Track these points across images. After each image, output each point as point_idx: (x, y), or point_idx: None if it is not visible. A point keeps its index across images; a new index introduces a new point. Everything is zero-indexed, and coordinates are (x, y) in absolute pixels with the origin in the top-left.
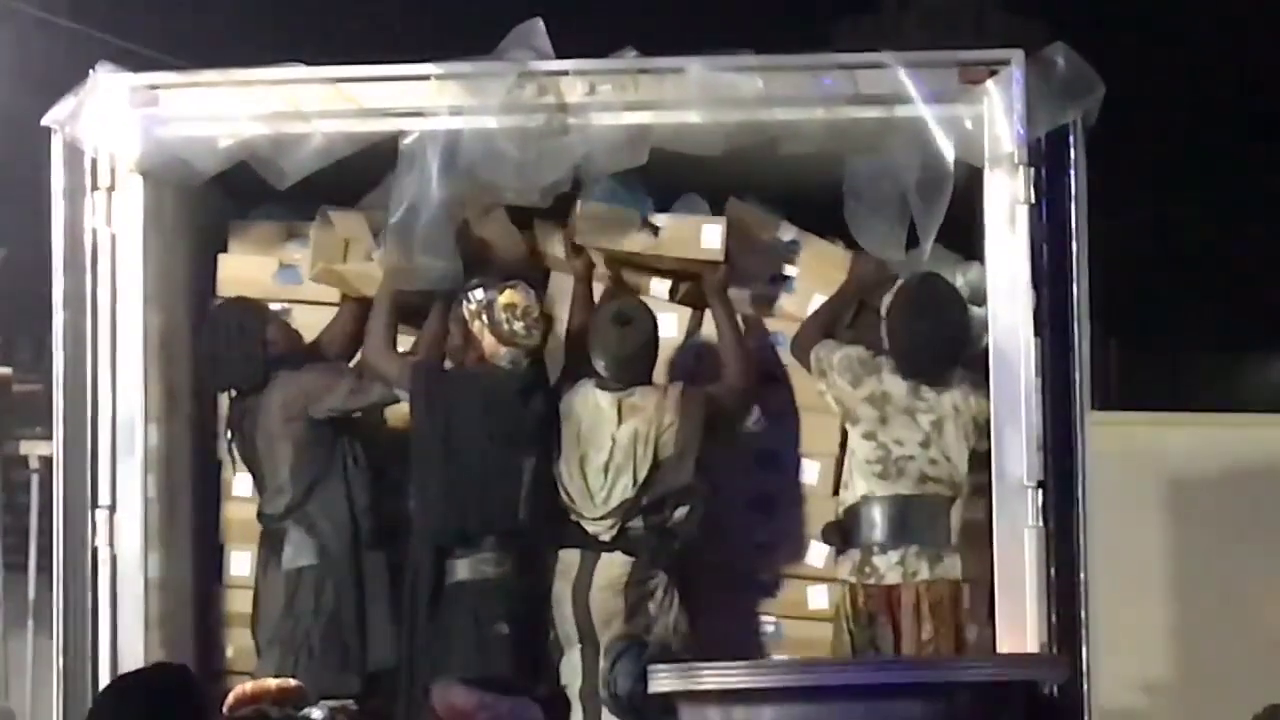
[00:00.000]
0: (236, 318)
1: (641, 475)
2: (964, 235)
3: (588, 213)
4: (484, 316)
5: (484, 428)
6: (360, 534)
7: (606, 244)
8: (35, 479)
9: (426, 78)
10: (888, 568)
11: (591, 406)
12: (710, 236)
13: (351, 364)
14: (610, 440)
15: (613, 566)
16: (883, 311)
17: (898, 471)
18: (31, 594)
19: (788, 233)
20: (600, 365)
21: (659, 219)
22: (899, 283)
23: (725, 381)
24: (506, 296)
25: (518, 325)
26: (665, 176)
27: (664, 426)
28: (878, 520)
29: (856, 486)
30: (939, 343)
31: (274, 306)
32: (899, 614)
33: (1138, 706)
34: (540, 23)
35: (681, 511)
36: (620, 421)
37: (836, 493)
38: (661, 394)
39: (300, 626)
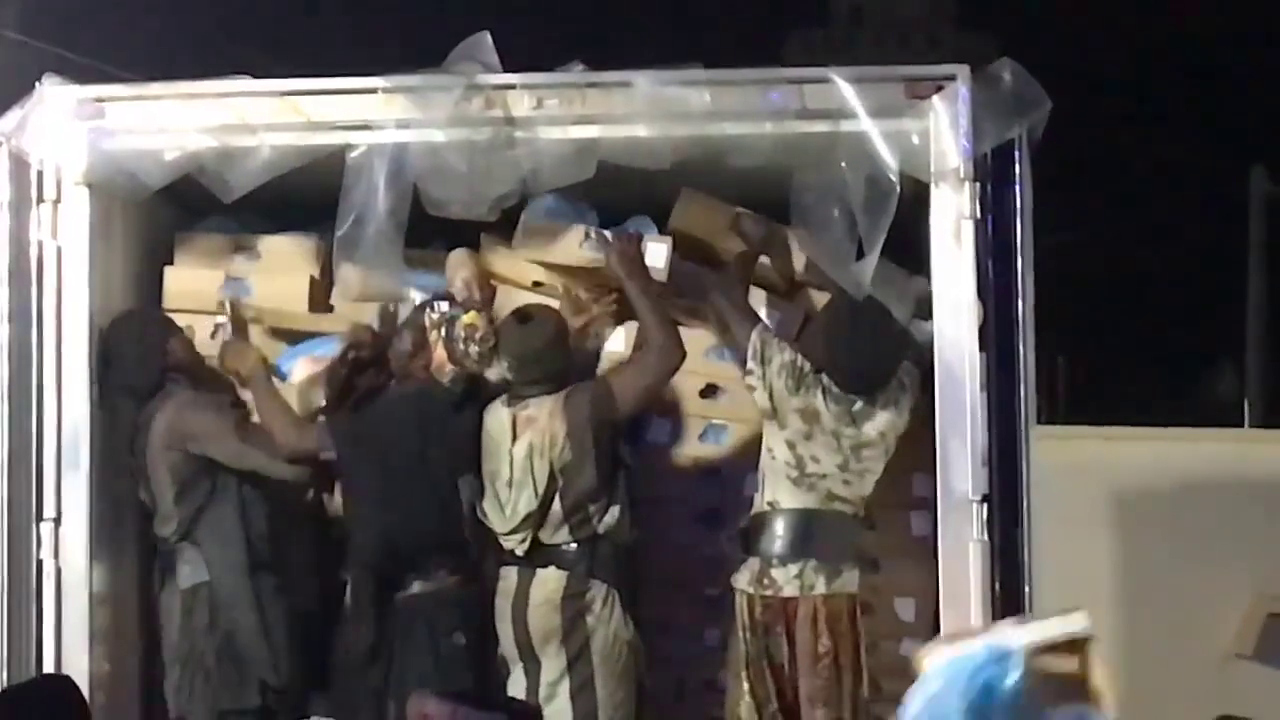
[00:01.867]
0: (138, 326)
1: (540, 489)
2: (910, 250)
3: (530, 227)
4: (443, 330)
5: (417, 445)
6: (256, 555)
7: (548, 257)
8: None
9: (374, 91)
10: (785, 580)
11: (495, 423)
12: (655, 255)
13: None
14: (509, 456)
15: (548, 582)
16: (819, 328)
17: (809, 486)
18: None
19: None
20: (505, 368)
21: (603, 234)
22: (833, 301)
23: (644, 359)
24: (470, 317)
25: (472, 349)
26: (612, 192)
27: (557, 436)
28: (780, 531)
29: (765, 490)
30: (876, 360)
31: (221, 319)
32: (794, 627)
33: None
34: (487, 36)
35: (609, 517)
36: (515, 437)
37: None
38: (555, 402)
39: (197, 645)
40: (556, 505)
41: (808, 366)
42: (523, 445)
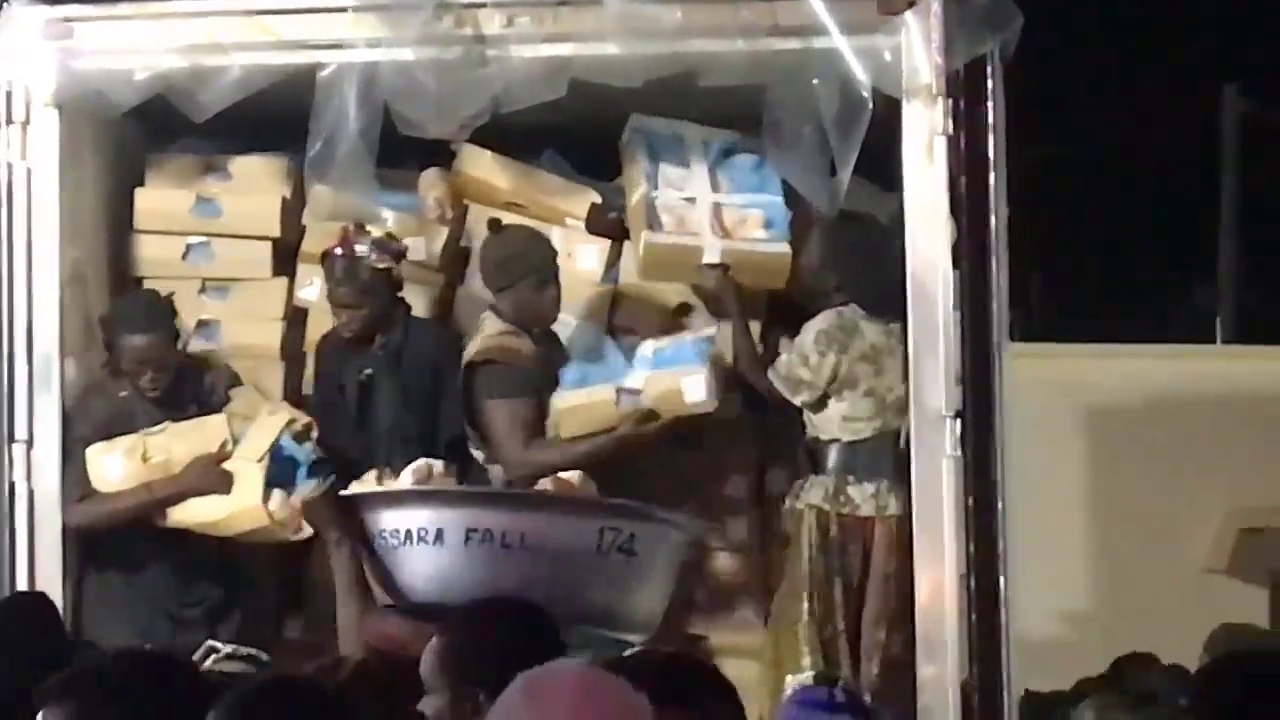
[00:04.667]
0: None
1: None
2: (882, 167)
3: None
4: None
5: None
6: None
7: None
8: None
9: (344, 10)
10: (862, 499)
11: None
12: (693, 390)
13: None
14: None
15: None
16: (831, 257)
17: (888, 409)
18: None
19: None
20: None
21: (637, 378)
22: (841, 236)
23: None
24: None
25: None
26: (585, 110)
27: None
28: (856, 451)
29: (831, 429)
30: (892, 271)
31: (193, 240)
32: (871, 545)
33: (1059, 636)
34: None
35: None
36: None
37: None
38: None
39: None
40: None
41: (834, 319)
42: None
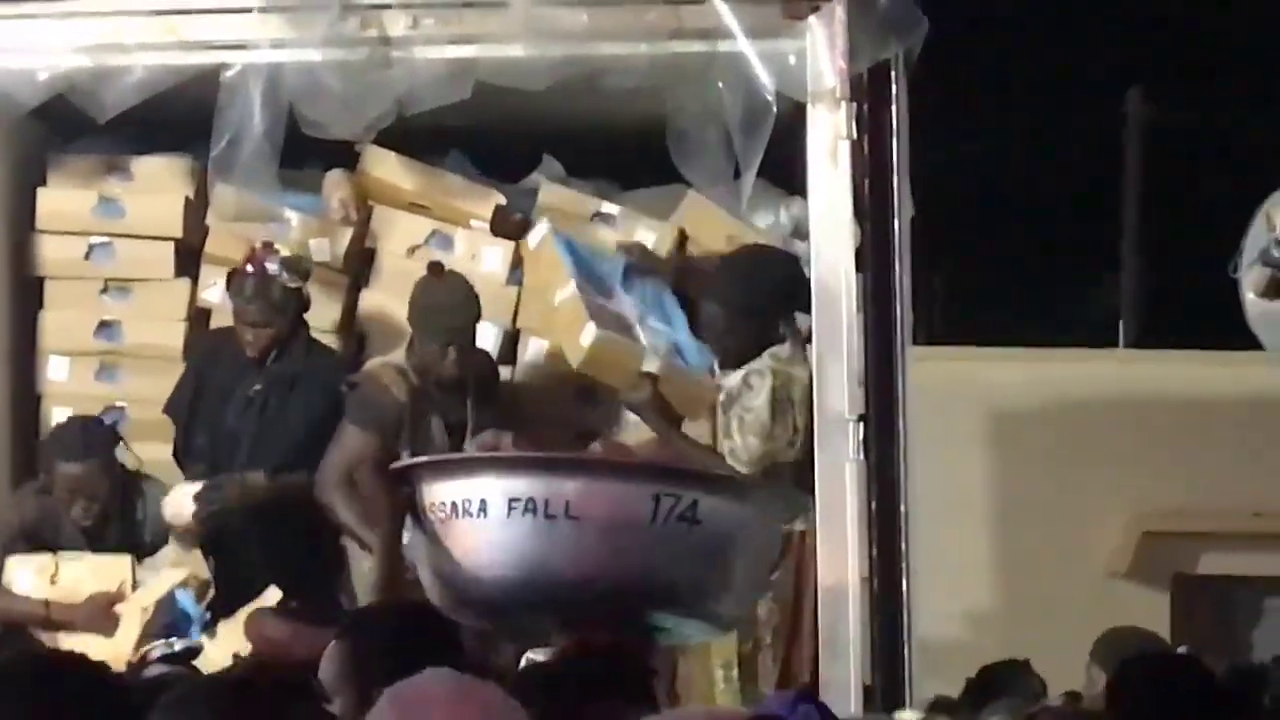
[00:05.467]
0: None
1: None
2: (787, 170)
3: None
4: None
5: None
6: None
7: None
8: None
9: (249, 10)
10: None
11: None
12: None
13: None
14: None
15: None
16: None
17: None
18: None
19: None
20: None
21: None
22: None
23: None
24: None
25: None
26: (490, 112)
27: None
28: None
29: None
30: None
31: (95, 240)
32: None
33: (961, 638)
34: None
35: None
36: None
37: None
38: None
39: None
40: None
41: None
42: None
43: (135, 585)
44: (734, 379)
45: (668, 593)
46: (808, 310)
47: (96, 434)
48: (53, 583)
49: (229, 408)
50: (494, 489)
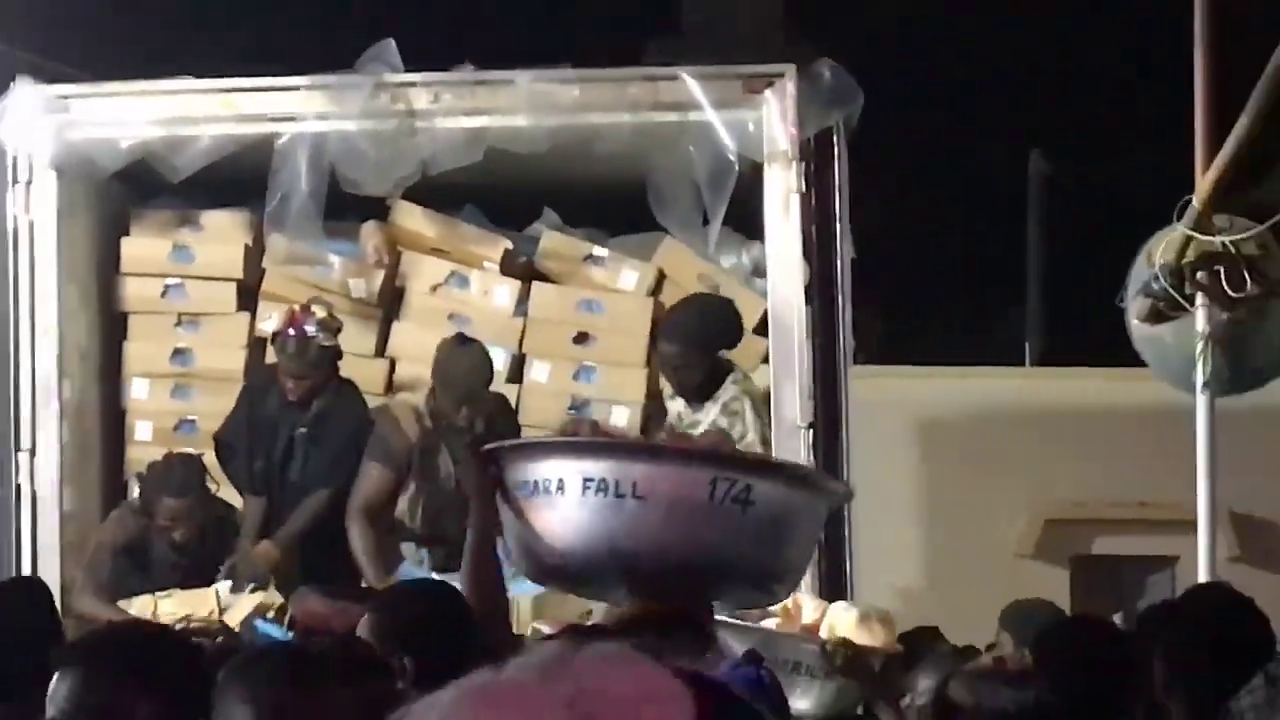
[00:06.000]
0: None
1: None
2: (748, 219)
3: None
4: None
5: None
6: None
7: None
8: None
9: (297, 89)
10: None
11: None
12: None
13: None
14: None
15: None
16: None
17: None
18: None
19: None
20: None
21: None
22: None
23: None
24: None
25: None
26: (499, 172)
27: None
28: None
29: None
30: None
31: (170, 281)
32: None
33: (895, 609)
34: (392, 43)
35: None
36: None
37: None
38: None
39: None
40: None
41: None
42: None
43: (222, 611)
44: (712, 413)
45: (723, 565)
46: (736, 344)
47: (193, 471)
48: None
49: (278, 441)
50: (570, 470)
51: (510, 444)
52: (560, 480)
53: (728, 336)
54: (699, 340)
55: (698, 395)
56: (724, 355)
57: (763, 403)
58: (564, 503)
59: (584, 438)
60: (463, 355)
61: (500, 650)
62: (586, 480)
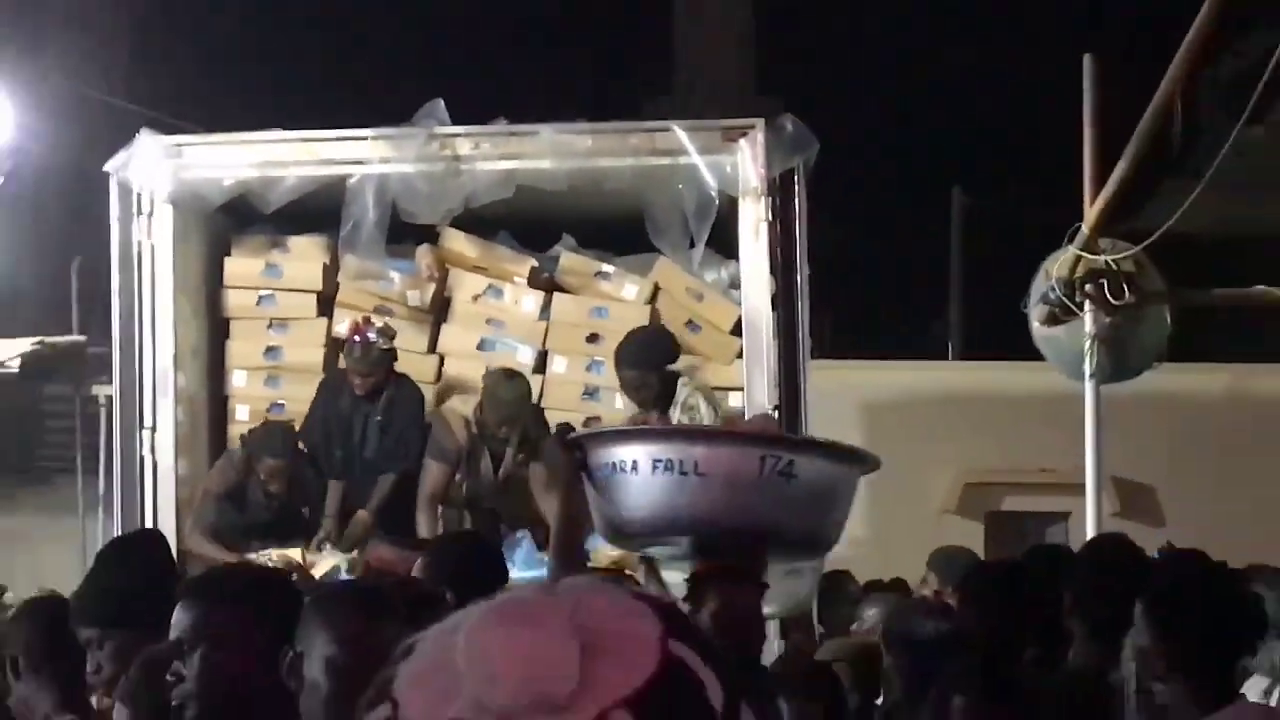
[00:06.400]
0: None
1: None
2: (727, 242)
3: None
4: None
5: None
6: None
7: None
8: (104, 411)
9: (365, 138)
10: None
11: None
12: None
13: None
14: None
15: None
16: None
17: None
18: (102, 489)
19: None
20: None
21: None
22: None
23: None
24: None
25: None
26: (526, 205)
27: None
28: None
29: None
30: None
31: (263, 292)
32: None
33: (841, 559)
34: (441, 102)
35: None
36: None
37: None
38: None
39: None
40: None
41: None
42: None
43: (308, 567)
44: (674, 416)
45: (772, 529)
46: (676, 359)
47: (289, 438)
48: None
49: (354, 430)
50: (642, 452)
51: (592, 432)
52: (634, 461)
53: (669, 355)
54: (648, 362)
55: (658, 406)
56: (670, 369)
57: (711, 391)
58: (637, 480)
59: (654, 426)
60: (509, 386)
61: None
62: (655, 460)
